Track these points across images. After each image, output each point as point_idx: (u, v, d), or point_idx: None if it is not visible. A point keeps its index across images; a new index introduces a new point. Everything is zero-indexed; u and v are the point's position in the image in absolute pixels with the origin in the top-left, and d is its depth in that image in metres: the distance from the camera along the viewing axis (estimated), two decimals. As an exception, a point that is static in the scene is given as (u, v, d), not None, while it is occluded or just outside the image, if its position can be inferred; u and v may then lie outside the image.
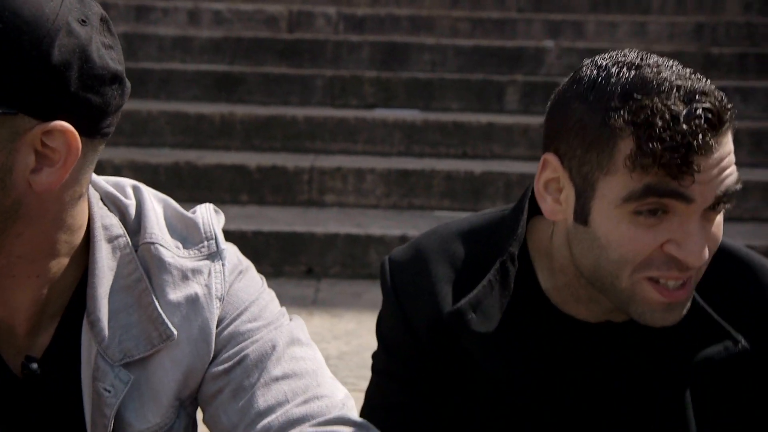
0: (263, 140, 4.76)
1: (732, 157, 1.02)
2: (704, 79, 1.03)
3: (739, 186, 1.03)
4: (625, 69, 1.02)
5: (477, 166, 4.50)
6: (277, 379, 1.07)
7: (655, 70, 1.02)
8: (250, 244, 3.80)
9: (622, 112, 0.99)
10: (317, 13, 6.24)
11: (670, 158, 0.97)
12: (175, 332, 1.04)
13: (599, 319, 1.14)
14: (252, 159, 4.45)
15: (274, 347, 1.08)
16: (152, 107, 4.84)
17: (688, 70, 1.04)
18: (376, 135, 4.80)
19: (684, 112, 0.98)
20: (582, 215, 1.05)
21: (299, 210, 4.28)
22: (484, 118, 4.92)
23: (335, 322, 3.35)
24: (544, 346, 1.15)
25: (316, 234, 3.85)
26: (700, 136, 0.97)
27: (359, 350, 2.98)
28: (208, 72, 5.32)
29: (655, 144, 0.97)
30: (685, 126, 0.97)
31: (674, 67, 1.03)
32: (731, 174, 1.02)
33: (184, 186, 4.28)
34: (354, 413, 1.10)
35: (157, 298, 1.04)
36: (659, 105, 0.98)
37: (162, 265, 1.05)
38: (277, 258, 3.84)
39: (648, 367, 1.14)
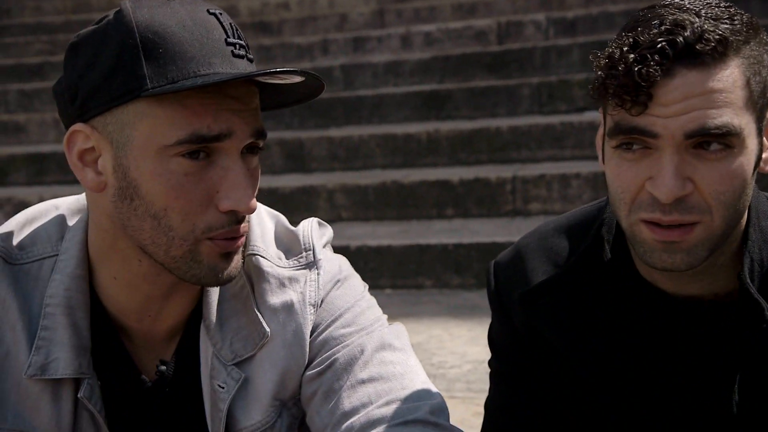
0: (468, 154, 4.79)
1: (722, 96, 0.97)
2: (708, 10, 0.98)
3: (723, 130, 0.97)
4: (645, 10, 1.03)
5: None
6: (363, 382, 1.11)
7: (666, 6, 1.01)
8: (452, 257, 3.84)
9: (606, 49, 1.02)
10: (526, 21, 6.18)
11: (616, 87, 0.97)
12: (268, 329, 1.12)
13: (689, 291, 1.11)
14: (456, 173, 4.49)
15: (362, 351, 1.13)
16: (364, 132, 5.06)
17: (708, 3, 1.00)
18: (583, 139, 4.64)
19: (645, 43, 0.96)
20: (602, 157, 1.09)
21: (504, 221, 4.24)
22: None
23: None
24: (630, 323, 1.13)
25: (517, 244, 3.79)
26: (646, 66, 0.95)
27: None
28: (417, 93, 5.46)
29: (604, 72, 0.98)
30: (632, 55, 0.96)
31: (696, 2, 1.00)
32: (714, 114, 0.96)
33: (391, 204, 4.42)
34: (442, 418, 1.09)
35: (257, 304, 1.13)
36: (628, 38, 0.98)
37: (261, 274, 1.14)
38: (479, 269, 3.83)
39: (730, 346, 1.10)
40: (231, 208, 1.00)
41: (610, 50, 1.00)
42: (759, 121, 1.02)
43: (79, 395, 1.07)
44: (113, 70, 0.98)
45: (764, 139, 1.04)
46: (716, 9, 1.01)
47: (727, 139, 0.98)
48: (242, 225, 1.03)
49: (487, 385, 2.69)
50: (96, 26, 1.02)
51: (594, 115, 4.88)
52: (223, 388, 1.10)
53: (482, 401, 2.40)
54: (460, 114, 5.30)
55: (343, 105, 5.45)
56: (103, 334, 1.11)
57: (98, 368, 1.10)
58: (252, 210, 1.02)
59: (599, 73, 1.00)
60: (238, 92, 0.99)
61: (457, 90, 5.38)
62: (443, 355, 2.99)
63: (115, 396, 1.12)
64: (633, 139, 1.00)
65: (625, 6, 6.18)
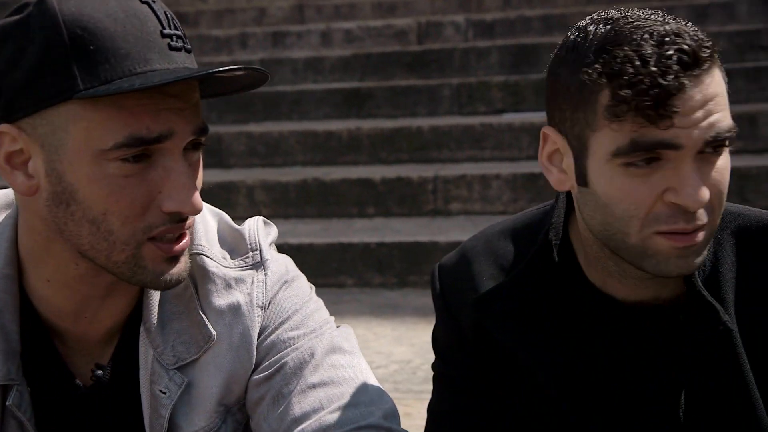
0: (390, 153, 4.79)
1: (721, 100, 0.98)
2: (684, 22, 1.00)
3: (732, 132, 0.99)
4: (601, 25, 1.02)
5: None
6: (313, 387, 1.08)
7: (630, 20, 1.00)
8: (374, 255, 3.83)
9: (596, 66, 0.99)
10: (446, 22, 6.24)
11: (643, 102, 0.95)
12: (214, 332, 1.07)
13: (640, 296, 1.11)
14: (377, 172, 4.48)
15: (312, 355, 1.10)
16: (284, 128, 5.00)
17: (669, 17, 1.01)
18: (503, 140, 4.71)
19: (654, 55, 0.96)
20: (582, 177, 1.05)
21: (425, 220, 4.26)
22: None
23: (455, 331, 3.29)
24: (583, 329, 1.13)
25: (439, 243, 3.82)
26: (672, 76, 0.95)
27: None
28: (338, 90, 5.44)
29: (626, 90, 0.96)
30: (654, 68, 0.96)
31: (653, 17, 1.01)
32: (721, 117, 0.98)
33: (313, 202, 4.38)
34: (395, 422, 1.08)
35: (201, 305, 1.08)
36: (629, 52, 0.97)
37: (206, 274, 1.09)
38: (402, 268, 3.84)
39: (678, 350, 1.11)
40: (175, 209, 0.96)
41: (615, 68, 0.97)
42: None
43: (7, 403, 1.01)
44: (40, 69, 0.92)
45: None
46: (668, 16, 1.02)
47: (728, 143, 1.01)
48: (186, 222, 0.99)
49: (414, 386, 2.69)
50: (17, 17, 0.94)
51: (513, 117, 4.96)
52: (164, 393, 1.06)
53: (410, 402, 2.40)
54: (381, 112, 5.30)
55: (262, 100, 5.37)
56: (33, 336, 1.04)
57: (28, 373, 1.04)
58: (198, 210, 0.98)
59: (621, 92, 0.96)
60: (178, 89, 0.95)
61: (377, 88, 5.38)
62: (369, 355, 2.97)
63: (46, 403, 1.06)
64: (653, 155, 0.99)
65: (542, 10, 6.31)
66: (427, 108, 5.26)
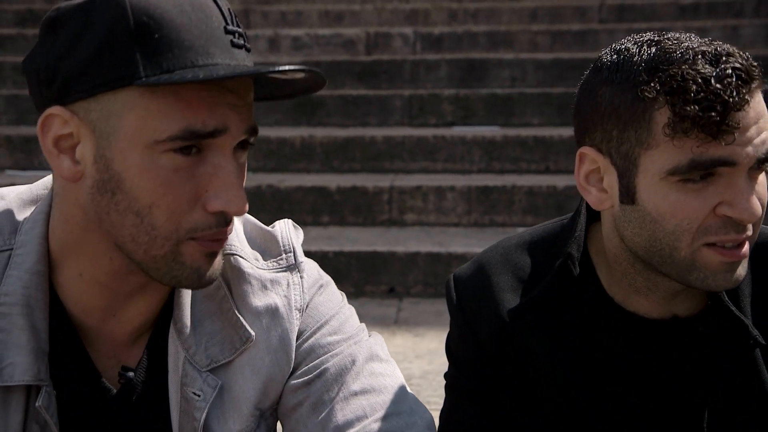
0: (343, 161, 4.79)
1: (767, 117, 1.03)
2: (725, 45, 1.04)
3: None
4: (645, 46, 1.05)
5: (560, 181, 4.40)
6: (356, 394, 1.07)
7: (675, 42, 1.04)
8: (331, 264, 3.82)
9: (652, 84, 1.01)
10: (394, 33, 6.28)
11: (708, 118, 0.98)
12: (252, 333, 1.05)
13: (662, 312, 1.14)
14: (332, 180, 4.47)
15: (353, 362, 1.09)
16: (235, 133, 4.94)
17: (708, 39, 1.05)
18: (455, 153, 4.76)
19: (714, 73, 1.00)
20: (628, 195, 1.07)
21: (380, 230, 4.28)
22: (566, 132, 4.81)
23: (417, 341, 3.31)
24: (606, 344, 1.15)
25: (397, 253, 3.83)
26: (734, 92, 0.99)
27: (442, 369, 2.90)
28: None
29: (691, 107, 0.99)
30: (718, 85, 0.99)
31: (693, 38, 1.05)
32: (764, 136, 1.02)
33: (267, 209, 4.34)
34: None
35: (237, 306, 1.06)
36: (688, 71, 1.00)
37: (241, 275, 1.07)
38: (359, 278, 3.83)
39: (709, 364, 1.13)
40: (221, 209, 0.94)
41: (676, 85, 0.99)
42: None
43: (37, 404, 0.97)
44: (101, 52, 0.90)
45: None
46: (705, 38, 1.06)
47: None
48: (229, 226, 0.97)
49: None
50: (80, 1, 0.93)
51: (464, 130, 5.03)
52: (199, 396, 1.03)
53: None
54: (332, 121, 5.30)
55: (210, 104, 5.29)
56: (62, 335, 1.01)
57: (54, 374, 1.00)
58: (243, 212, 0.96)
59: (687, 107, 0.98)
60: (236, 85, 0.94)
61: (328, 97, 5.37)
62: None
63: (72, 404, 1.02)
64: (710, 171, 1.02)
65: (487, 26, 6.43)
66: (378, 118, 5.28)
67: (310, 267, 1.13)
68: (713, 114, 0.98)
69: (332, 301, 1.13)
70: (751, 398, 1.13)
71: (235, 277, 1.07)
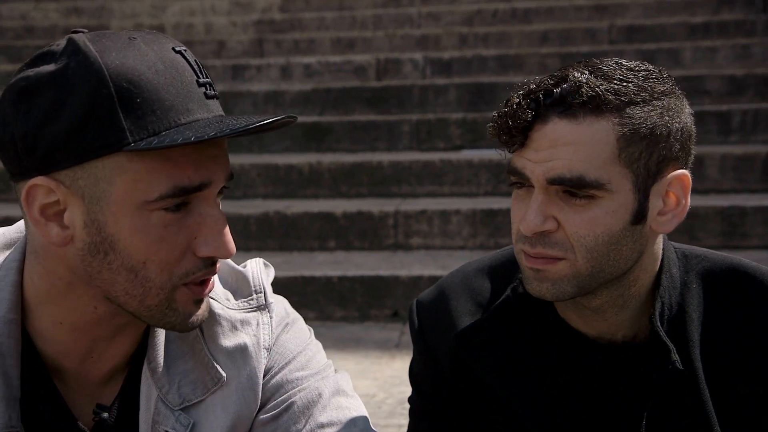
0: (350, 187, 4.83)
1: (583, 148, 1.05)
2: (610, 73, 1.06)
3: (580, 179, 1.06)
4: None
5: (565, 203, 4.40)
6: (322, 426, 1.10)
7: (578, 66, 1.10)
8: (335, 289, 3.85)
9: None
10: (404, 59, 6.34)
11: (498, 128, 1.07)
12: (224, 374, 1.08)
13: (601, 332, 1.17)
14: (339, 206, 4.51)
15: (320, 395, 1.12)
16: (245, 161, 5.01)
17: (616, 66, 1.08)
18: (462, 176, 4.79)
19: (530, 90, 1.08)
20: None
21: (386, 254, 4.30)
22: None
23: (418, 365, 3.31)
24: (557, 367, 1.18)
25: (400, 277, 3.86)
26: (522, 109, 1.06)
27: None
28: (298, 124, 5.47)
29: (496, 113, 1.09)
30: (517, 100, 1.07)
31: (607, 63, 1.09)
32: (574, 163, 1.05)
33: (274, 235, 4.39)
34: None
35: (208, 347, 1.09)
36: (528, 86, 1.09)
37: (212, 316, 1.10)
38: (363, 302, 3.86)
39: (639, 386, 1.15)
40: (210, 254, 0.98)
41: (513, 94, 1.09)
42: (641, 179, 1.07)
43: None
44: (85, 121, 0.91)
45: (654, 198, 1.10)
46: (622, 70, 1.07)
47: (586, 191, 1.05)
48: (216, 266, 1.01)
49: (379, 420, 2.70)
50: (52, 67, 0.93)
51: (472, 153, 5.05)
52: None
53: (378, 435, 2.41)
54: (341, 147, 5.35)
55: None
56: (35, 380, 1.03)
57: (27, 418, 1.02)
58: (232, 254, 1.00)
59: (494, 113, 1.09)
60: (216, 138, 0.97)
61: (337, 123, 5.43)
62: (333, 388, 2.97)
63: None
64: (518, 180, 1.09)
65: (497, 51, 6.46)
66: (387, 143, 5.33)
67: (279, 305, 1.16)
68: (500, 123, 1.09)
69: (299, 338, 1.16)
70: (689, 421, 1.14)
71: (206, 318, 1.09)
